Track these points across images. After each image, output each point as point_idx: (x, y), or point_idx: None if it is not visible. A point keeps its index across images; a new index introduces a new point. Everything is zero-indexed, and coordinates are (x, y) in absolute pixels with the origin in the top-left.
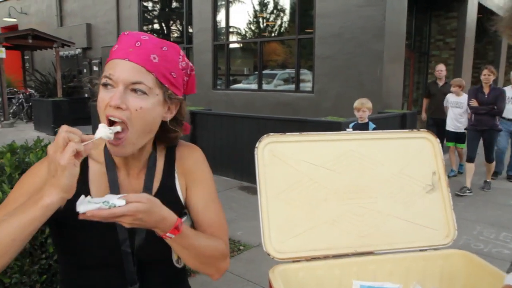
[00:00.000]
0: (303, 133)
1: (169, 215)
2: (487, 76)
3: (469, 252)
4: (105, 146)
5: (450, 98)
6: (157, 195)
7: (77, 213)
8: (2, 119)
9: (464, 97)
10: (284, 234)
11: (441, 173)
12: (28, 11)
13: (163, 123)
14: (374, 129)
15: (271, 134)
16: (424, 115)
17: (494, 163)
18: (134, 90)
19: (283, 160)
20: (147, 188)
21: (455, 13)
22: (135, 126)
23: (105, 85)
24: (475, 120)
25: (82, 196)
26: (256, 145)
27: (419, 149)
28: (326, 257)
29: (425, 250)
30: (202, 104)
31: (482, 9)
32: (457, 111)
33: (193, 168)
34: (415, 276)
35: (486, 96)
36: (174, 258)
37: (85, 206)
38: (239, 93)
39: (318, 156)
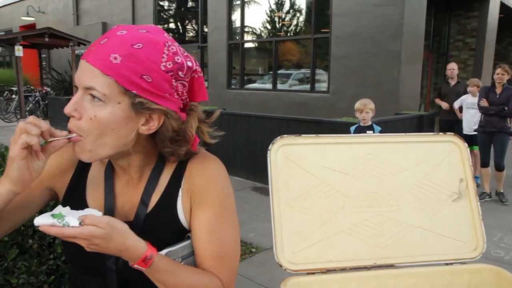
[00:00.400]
0: (319, 135)
1: (135, 245)
2: (500, 75)
3: (500, 268)
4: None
5: (467, 99)
6: (153, 213)
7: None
8: (18, 116)
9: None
10: (298, 244)
11: (469, 180)
12: (46, 10)
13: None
14: (380, 132)
15: (285, 135)
16: (444, 103)
17: (504, 172)
18: (92, 96)
19: (297, 163)
20: (143, 202)
21: (476, 13)
22: (90, 136)
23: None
24: (484, 121)
25: (59, 206)
26: (269, 147)
27: (445, 154)
28: (342, 270)
29: (451, 263)
30: (216, 103)
31: (504, 8)
32: (474, 113)
33: (202, 187)
34: None
35: (497, 96)
36: None
37: (41, 219)
38: (253, 93)
39: (335, 160)
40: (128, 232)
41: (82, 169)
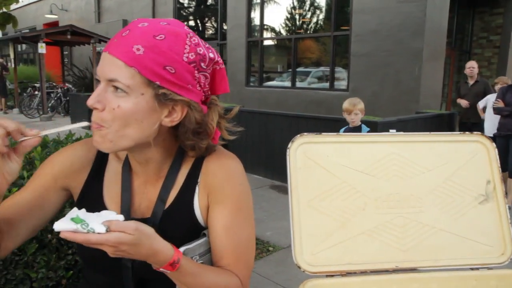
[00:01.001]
0: (340, 133)
1: (163, 249)
2: None
3: None
4: (126, 156)
5: (492, 98)
6: (170, 210)
7: (90, 209)
8: (41, 112)
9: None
10: (317, 245)
11: (497, 182)
12: (68, 8)
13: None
14: (368, 132)
15: (305, 133)
16: (464, 101)
17: None
18: (115, 88)
19: (317, 163)
20: (161, 199)
21: (501, 9)
22: (113, 126)
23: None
24: (499, 123)
25: (75, 208)
26: (289, 146)
27: (472, 154)
28: (363, 273)
29: (477, 268)
30: (234, 101)
31: None
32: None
33: (220, 185)
34: None
35: None
36: None
37: (63, 224)
38: (272, 91)
39: (356, 159)
40: (155, 236)
41: (99, 167)
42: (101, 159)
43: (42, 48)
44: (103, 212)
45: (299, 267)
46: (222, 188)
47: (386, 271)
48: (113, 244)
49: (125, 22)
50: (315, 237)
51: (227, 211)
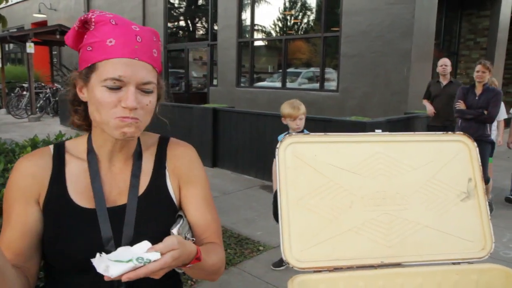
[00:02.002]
0: (328, 133)
1: (191, 247)
2: (480, 73)
3: (508, 268)
4: (88, 147)
5: None
6: (146, 195)
7: (57, 216)
8: (29, 113)
9: None
10: (305, 242)
11: (477, 180)
12: (57, 7)
13: None
14: None
15: (293, 133)
16: (429, 107)
17: (491, 183)
18: (142, 88)
19: (305, 162)
20: (134, 186)
21: (487, 12)
22: (144, 119)
23: (110, 88)
24: (461, 127)
25: (98, 255)
26: (278, 145)
27: (454, 153)
28: (349, 268)
29: (459, 263)
30: (225, 101)
31: None
32: None
33: (188, 167)
34: None
35: (476, 98)
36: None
37: (117, 268)
38: (263, 91)
39: (343, 158)
40: (184, 240)
41: (58, 171)
42: (58, 164)
43: (30, 47)
44: (123, 249)
45: (288, 263)
46: (191, 169)
47: (372, 267)
48: (170, 264)
49: None
50: (303, 234)
51: (201, 189)
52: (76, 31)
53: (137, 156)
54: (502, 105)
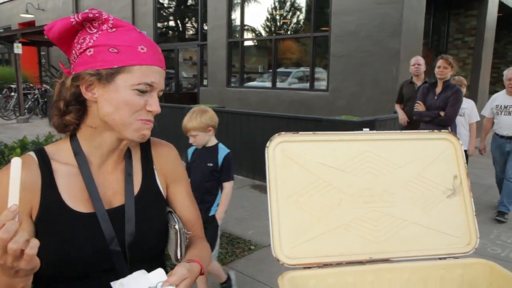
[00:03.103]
0: (316, 132)
1: (197, 269)
2: (442, 69)
3: (492, 262)
4: (74, 149)
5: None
6: (141, 193)
7: (54, 224)
8: (17, 114)
9: (466, 101)
10: (295, 239)
11: (463, 177)
12: (45, 8)
13: None
14: (227, 155)
15: (283, 133)
16: (402, 115)
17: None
18: (159, 94)
19: (295, 160)
20: (128, 185)
21: (474, 11)
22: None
23: (141, 91)
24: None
25: (117, 283)
26: (267, 144)
27: (440, 151)
28: (339, 264)
29: (444, 258)
30: (215, 101)
31: (503, 7)
32: (459, 121)
33: (174, 166)
34: (434, 286)
35: (435, 97)
36: (173, 255)
37: None
38: (253, 91)
39: (332, 157)
40: (190, 264)
41: (48, 178)
42: (46, 171)
43: (18, 48)
44: (137, 273)
45: (278, 260)
46: (176, 168)
47: (361, 262)
48: None
49: None
50: (293, 231)
51: (185, 186)
52: (71, 25)
53: (128, 156)
54: (474, 105)
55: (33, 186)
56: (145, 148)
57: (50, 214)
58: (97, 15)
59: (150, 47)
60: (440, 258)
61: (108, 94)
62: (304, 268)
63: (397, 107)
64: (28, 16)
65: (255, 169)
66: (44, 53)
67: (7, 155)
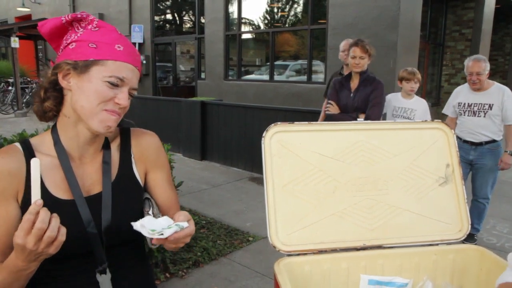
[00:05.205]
0: (312, 122)
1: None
2: (358, 59)
3: (482, 247)
4: (54, 139)
5: (393, 101)
6: (117, 181)
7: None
8: (15, 108)
9: (416, 100)
10: (291, 227)
11: (455, 165)
12: (41, 1)
13: None
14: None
15: (279, 123)
16: (333, 106)
17: None
18: (130, 92)
19: (291, 150)
20: (106, 174)
21: (472, 3)
22: (122, 116)
23: (112, 83)
24: None
25: (138, 224)
26: (263, 134)
27: (433, 140)
28: (333, 250)
29: (437, 244)
30: (213, 94)
31: None
32: None
33: (156, 154)
34: (426, 271)
35: (351, 95)
36: (148, 240)
37: (167, 231)
38: (250, 84)
39: (327, 146)
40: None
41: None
42: (30, 156)
43: (15, 42)
44: (147, 218)
45: (274, 247)
46: (158, 156)
47: (355, 249)
48: (194, 230)
49: (101, 16)
50: (289, 219)
51: (166, 172)
52: (61, 24)
53: (106, 147)
54: (426, 107)
55: (19, 173)
56: (124, 138)
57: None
58: (84, 16)
59: (127, 48)
60: (432, 244)
61: (81, 83)
62: (300, 254)
63: (327, 104)
64: (25, 10)
65: (253, 161)
66: (41, 47)
67: (1, 144)
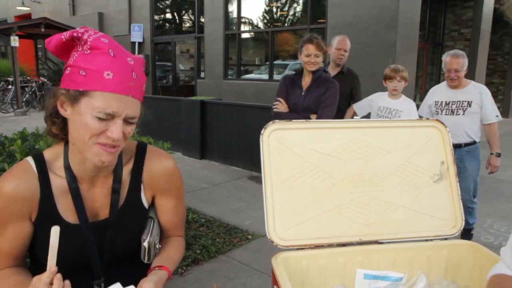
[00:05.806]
0: (309, 120)
1: (165, 277)
2: (312, 57)
3: (476, 243)
4: (65, 163)
5: (378, 101)
6: (124, 208)
7: (49, 230)
8: (15, 107)
9: (403, 101)
10: (289, 222)
11: (449, 162)
12: (41, 0)
13: None
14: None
15: (276, 121)
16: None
17: None
18: (128, 120)
19: (288, 147)
20: (114, 200)
21: (471, 3)
22: (122, 145)
23: (101, 118)
24: None
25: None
26: (262, 132)
27: (428, 138)
28: (330, 245)
29: (431, 240)
30: (212, 93)
31: None
32: None
33: (167, 182)
34: (420, 266)
35: (302, 94)
36: (142, 255)
37: None
38: (250, 83)
39: (324, 144)
40: (157, 276)
41: (46, 187)
42: (44, 184)
43: (15, 41)
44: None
45: (272, 242)
46: (167, 182)
47: (351, 244)
48: None
49: (100, 15)
50: (287, 214)
51: (173, 197)
52: (62, 42)
53: (119, 170)
54: (413, 108)
55: (32, 197)
56: (139, 159)
57: (46, 220)
58: (80, 35)
59: (118, 73)
60: (427, 240)
61: (73, 114)
62: (297, 249)
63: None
64: (24, 9)
65: (253, 160)
66: (40, 46)
67: (7, 146)
